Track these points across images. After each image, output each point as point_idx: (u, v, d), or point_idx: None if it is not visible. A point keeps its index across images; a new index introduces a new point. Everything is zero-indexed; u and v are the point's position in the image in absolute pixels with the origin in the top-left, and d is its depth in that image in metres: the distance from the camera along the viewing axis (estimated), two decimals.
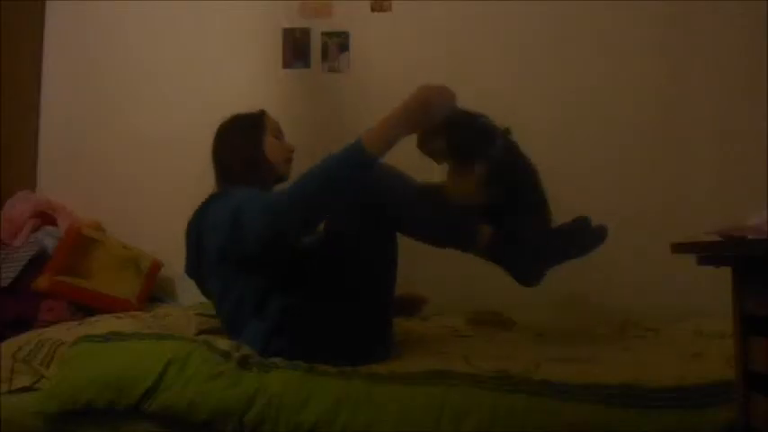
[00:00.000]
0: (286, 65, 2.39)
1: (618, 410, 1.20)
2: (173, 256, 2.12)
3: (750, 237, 0.98)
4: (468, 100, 1.53)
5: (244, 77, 2.35)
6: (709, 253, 1.06)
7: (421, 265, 1.73)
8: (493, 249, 1.55)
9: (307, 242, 1.58)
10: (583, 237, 1.55)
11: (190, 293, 2.05)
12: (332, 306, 1.52)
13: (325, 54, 2.37)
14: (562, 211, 1.60)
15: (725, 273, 1.05)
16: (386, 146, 1.37)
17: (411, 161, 1.53)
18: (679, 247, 1.07)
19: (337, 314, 1.52)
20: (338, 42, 2.37)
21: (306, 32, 2.38)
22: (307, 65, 2.38)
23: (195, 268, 1.67)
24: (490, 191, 1.52)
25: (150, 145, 2.39)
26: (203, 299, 1.83)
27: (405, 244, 1.64)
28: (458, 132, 1.50)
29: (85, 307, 1.95)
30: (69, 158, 2.44)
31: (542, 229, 1.57)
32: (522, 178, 1.59)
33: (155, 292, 2.24)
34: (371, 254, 1.56)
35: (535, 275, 1.56)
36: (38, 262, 2.02)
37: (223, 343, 1.51)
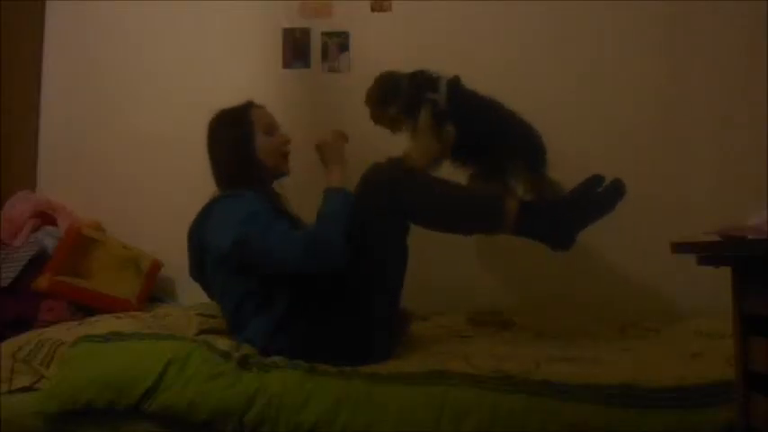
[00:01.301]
0: (286, 65, 2.39)
1: (618, 410, 1.21)
2: (173, 256, 2.12)
3: (750, 237, 0.98)
4: None
5: (244, 77, 2.35)
6: (709, 253, 1.06)
7: (421, 265, 1.73)
8: (520, 227, 1.59)
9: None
10: (602, 196, 1.61)
11: (190, 293, 2.05)
12: (334, 306, 1.52)
13: (325, 54, 2.37)
14: None
15: (725, 273, 1.05)
16: (342, 179, 1.64)
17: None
18: (679, 247, 1.07)
19: (339, 314, 1.52)
20: (338, 42, 2.36)
21: (306, 32, 2.38)
22: (307, 65, 2.38)
23: (199, 271, 1.67)
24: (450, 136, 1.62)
25: (150, 145, 2.39)
26: (203, 299, 1.83)
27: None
28: (399, 92, 1.68)
29: (85, 307, 1.95)
30: (69, 158, 2.44)
31: (543, 172, 1.64)
32: (485, 113, 1.66)
33: (155, 292, 2.24)
34: (376, 254, 1.56)
35: (568, 242, 1.62)
36: (38, 262, 2.02)
37: (223, 343, 1.51)
